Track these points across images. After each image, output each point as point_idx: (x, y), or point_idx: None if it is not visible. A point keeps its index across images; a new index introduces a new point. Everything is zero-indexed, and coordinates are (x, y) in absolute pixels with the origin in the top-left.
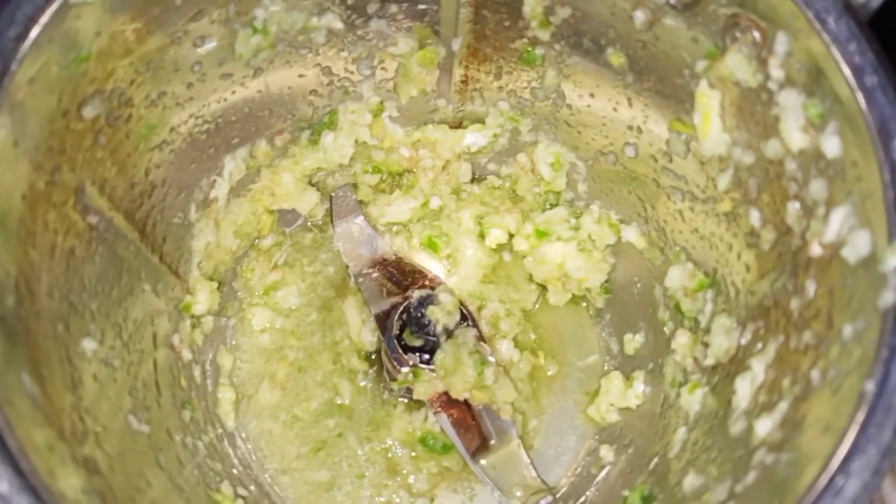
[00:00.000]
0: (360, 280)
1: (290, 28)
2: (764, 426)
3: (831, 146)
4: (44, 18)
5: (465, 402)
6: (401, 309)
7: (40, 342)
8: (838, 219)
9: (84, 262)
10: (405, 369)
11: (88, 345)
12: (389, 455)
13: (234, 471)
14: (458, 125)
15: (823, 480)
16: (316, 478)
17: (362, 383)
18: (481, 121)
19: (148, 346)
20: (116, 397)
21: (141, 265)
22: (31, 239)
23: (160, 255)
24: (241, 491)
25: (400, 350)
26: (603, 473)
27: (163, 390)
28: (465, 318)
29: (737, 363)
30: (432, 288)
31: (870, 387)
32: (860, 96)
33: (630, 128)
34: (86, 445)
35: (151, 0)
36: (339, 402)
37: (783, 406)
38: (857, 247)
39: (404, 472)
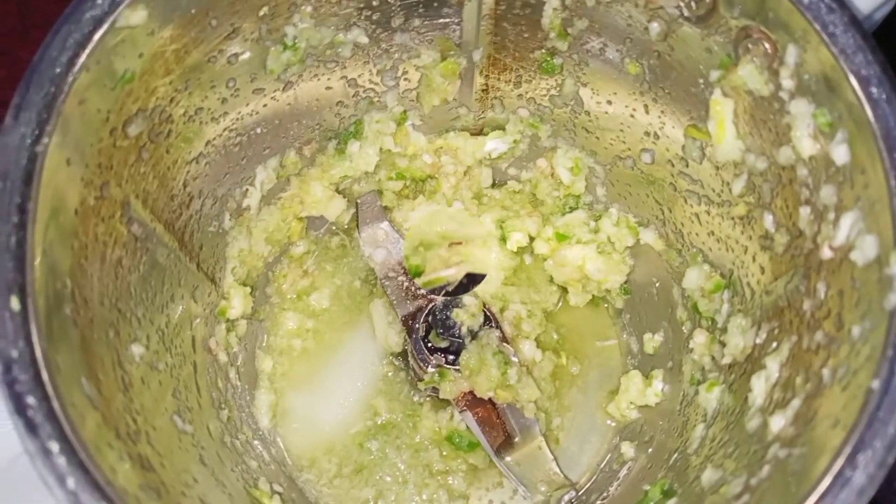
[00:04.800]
0: (386, 283)
1: (318, 43)
2: (778, 422)
3: (840, 154)
4: (92, 43)
5: (490, 400)
6: (426, 311)
7: (94, 348)
8: (847, 223)
9: (130, 271)
10: (431, 370)
11: (136, 349)
12: (422, 455)
13: (269, 468)
14: (478, 132)
15: (832, 473)
16: (362, 495)
17: (394, 388)
18: (501, 128)
19: (188, 349)
20: (162, 399)
21: (180, 272)
22: (83, 251)
23: (197, 263)
24: (277, 487)
25: (426, 351)
26: (624, 469)
27: (202, 391)
28: (489, 319)
29: (752, 362)
30: None
31: (875, 384)
32: (867, 106)
33: (647, 133)
34: (139, 444)
35: (189, 21)
36: (379, 421)
37: (796, 403)
38: (865, 250)
39: (440, 469)
